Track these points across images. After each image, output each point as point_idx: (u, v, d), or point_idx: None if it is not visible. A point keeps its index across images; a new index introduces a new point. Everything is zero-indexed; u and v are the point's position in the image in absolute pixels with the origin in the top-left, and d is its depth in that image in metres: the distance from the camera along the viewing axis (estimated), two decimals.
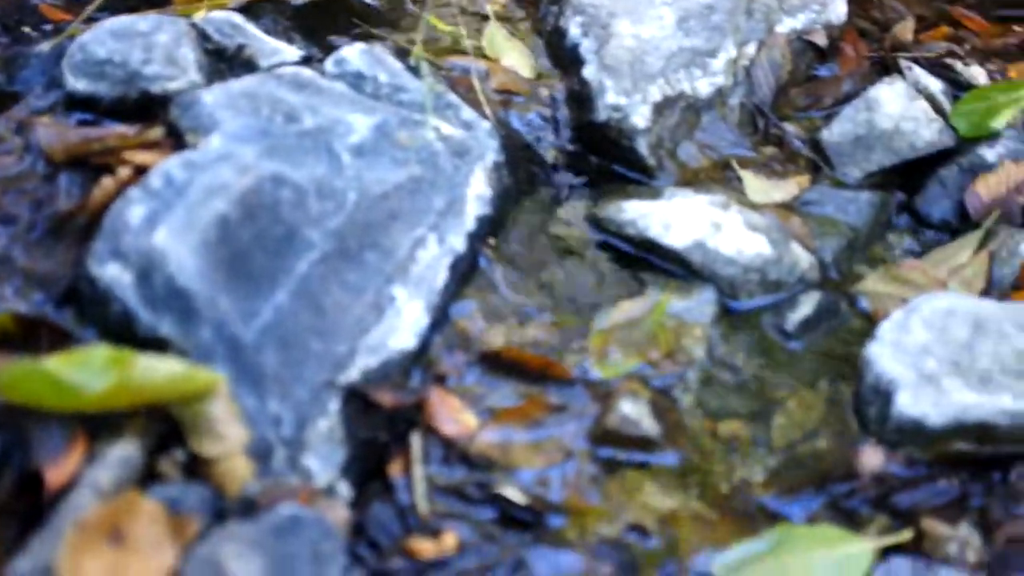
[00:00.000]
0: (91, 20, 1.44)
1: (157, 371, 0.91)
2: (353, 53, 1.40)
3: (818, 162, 1.54)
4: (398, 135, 1.25)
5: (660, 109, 1.49)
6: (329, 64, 1.39)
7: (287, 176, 1.12)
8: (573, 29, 1.57)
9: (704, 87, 1.55)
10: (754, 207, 1.41)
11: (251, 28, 1.43)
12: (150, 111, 1.29)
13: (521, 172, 1.43)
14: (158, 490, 0.90)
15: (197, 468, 0.95)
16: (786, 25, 1.66)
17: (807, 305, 1.32)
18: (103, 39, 1.29)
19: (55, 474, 0.89)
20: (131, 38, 1.30)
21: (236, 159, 1.11)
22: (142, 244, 1.02)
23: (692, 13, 1.57)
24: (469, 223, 1.30)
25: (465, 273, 1.28)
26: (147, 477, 0.93)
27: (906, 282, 1.35)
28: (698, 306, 1.29)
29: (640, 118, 1.47)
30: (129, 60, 1.27)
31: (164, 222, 1.03)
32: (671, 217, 1.34)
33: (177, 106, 1.22)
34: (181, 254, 1.00)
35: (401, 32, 1.62)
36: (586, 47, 1.53)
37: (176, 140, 1.21)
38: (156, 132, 1.23)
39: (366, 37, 1.55)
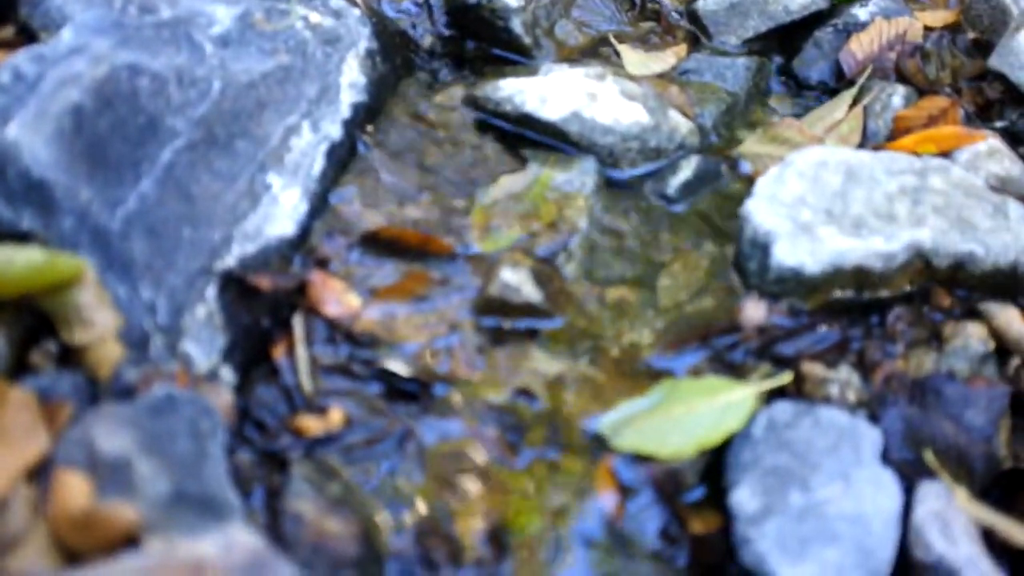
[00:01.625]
0: None
1: (16, 261, 0.89)
2: None
3: (696, 32, 1.54)
4: (258, 20, 1.23)
5: None
6: None
7: (144, 65, 1.09)
8: None
9: None
10: (632, 79, 1.41)
11: None
12: (1, 13, 1.25)
13: (397, 59, 1.42)
14: (29, 381, 0.89)
15: (70, 358, 0.93)
16: None
17: (687, 169, 1.33)
18: None
19: None
20: None
21: (89, 51, 1.08)
22: None
23: None
24: (344, 110, 1.28)
25: (343, 160, 1.27)
26: (17, 369, 0.92)
27: (784, 141, 1.37)
28: (579, 177, 1.30)
29: None
30: None
31: (16, 116, 1.00)
32: (547, 91, 1.34)
33: (27, 4, 1.18)
34: (35, 145, 0.97)
35: None
36: None
37: (29, 39, 1.18)
38: (7, 31, 1.19)
39: None
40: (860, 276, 1.15)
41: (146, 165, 1.05)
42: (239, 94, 1.17)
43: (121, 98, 1.05)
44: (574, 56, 1.49)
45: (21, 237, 0.98)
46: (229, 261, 1.07)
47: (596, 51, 1.50)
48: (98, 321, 0.92)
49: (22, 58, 1.06)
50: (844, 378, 1.10)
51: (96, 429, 0.82)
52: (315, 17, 1.32)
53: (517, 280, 1.14)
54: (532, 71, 1.42)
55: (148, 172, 1.04)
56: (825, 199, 1.19)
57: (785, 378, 1.09)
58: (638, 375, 1.13)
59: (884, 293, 1.17)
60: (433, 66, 1.47)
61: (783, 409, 1.05)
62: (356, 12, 1.38)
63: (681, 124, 1.36)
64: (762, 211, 1.18)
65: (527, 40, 1.46)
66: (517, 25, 1.46)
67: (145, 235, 1.01)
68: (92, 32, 1.12)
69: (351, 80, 1.31)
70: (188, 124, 1.10)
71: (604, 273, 1.23)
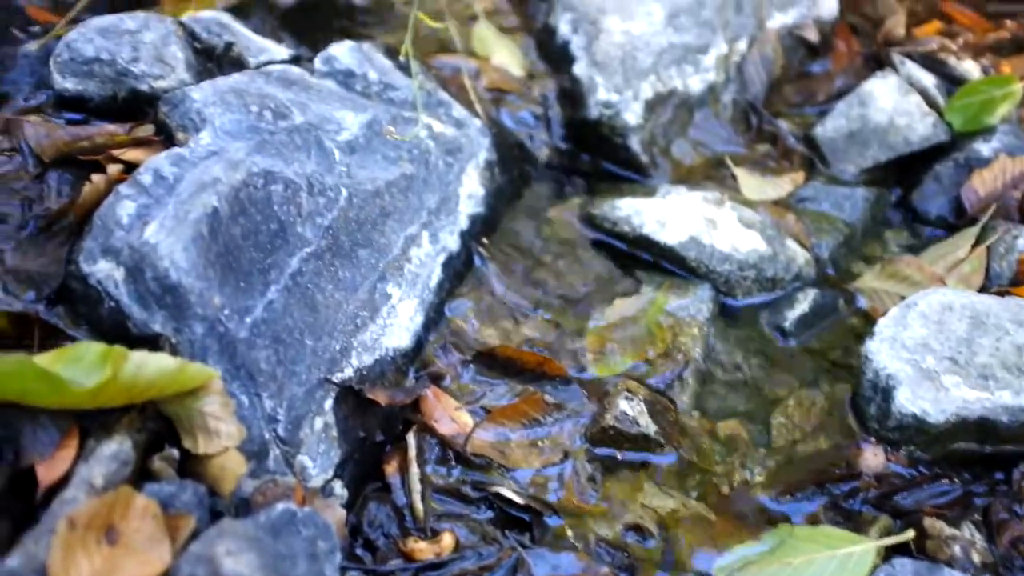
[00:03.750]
0: (77, 21, 1.42)
1: (149, 366, 0.89)
2: (342, 51, 1.38)
3: (813, 159, 1.53)
4: (385, 129, 1.24)
5: (652, 106, 1.48)
6: (318, 62, 1.37)
7: (278, 172, 1.10)
8: (563, 26, 1.56)
9: (696, 84, 1.54)
10: (748, 204, 1.40)
11: (239, 27, 1.41)
12: (140, 110, 1.27)
13: (514, 170, 1.42)
14: (152, 488, 0.88)
15: (191, 466, 0.93)
16: (777, 21, 1.66)
17: (804, 303, 1.31)
18: (90, 37, 1.27)
19: (47, 471, 0.87)
20: (119, 36, 1.28)
21: (226, 155, 1.09)
22: (133, 240, 1.00)
23: (681, 8, 1.56)
24: (462, 221, 1.28)
25: (459, 271, 1.27)
26: (141, 475, 0.91)
27: (904, 278, 1.34)
28: (694, 303, 1.28)
29: (632, 115, 1.46)
30: (117, 58, 1.25)
31: (155, 218, 1.01)
32: (666, 214, 1.33)
33: (166, 103, 1.20)
34: (173, 250, 0.98)
35: (390, 31, 1.61)
36: (576, 44, 1.52)
37: (166, 138, 1.19)
38: (146, 129, 1.21)
39: (354, 35, 1.53)
40: (985, 429, 1.12)
41: (275, 273, 1.05)
42: (364, 202, 1.18)
43: (255, 205, 1.06)
44: (690, 176, 1.48)
45: (150, 339, 0.98)
46: (347, 372, 1.07)
47: (712, 172, 1.50)
48: (223, 432, 0.91)
49: (163, 160, 1.08)
50: (968, 538, 1.06)
51: (219, 547, 0.81)
52: (438, 126, 1.33)
53: (634, 411, 1.12)
54: (649, 191, 1.41)
55: (276, 280, 1.05)
56: (950, 345, 1.16)
57: (907, 535, 1.05)
58: (750, 516, 1.10)
59: (1009, 447, 1.13)
60: (548, 178, 1.47)
61: (904, 566, 1.01)
62: (477, 122, 1.39)
63: (798, 255, 1.34)
64: (884, 354, 1.16)
65: (644, 158, 1.46)
66: (635, 143, 1.46)
67: (271, 344, 1.01)
68: (229, 136, 1.13)
69: (470, 191, 1.31)
70: (316, 232, 1.11)
71: (717, 406, 1.21)
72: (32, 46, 1.39)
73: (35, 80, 1.37)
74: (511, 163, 1.41)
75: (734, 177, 1.47)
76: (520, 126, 1.49)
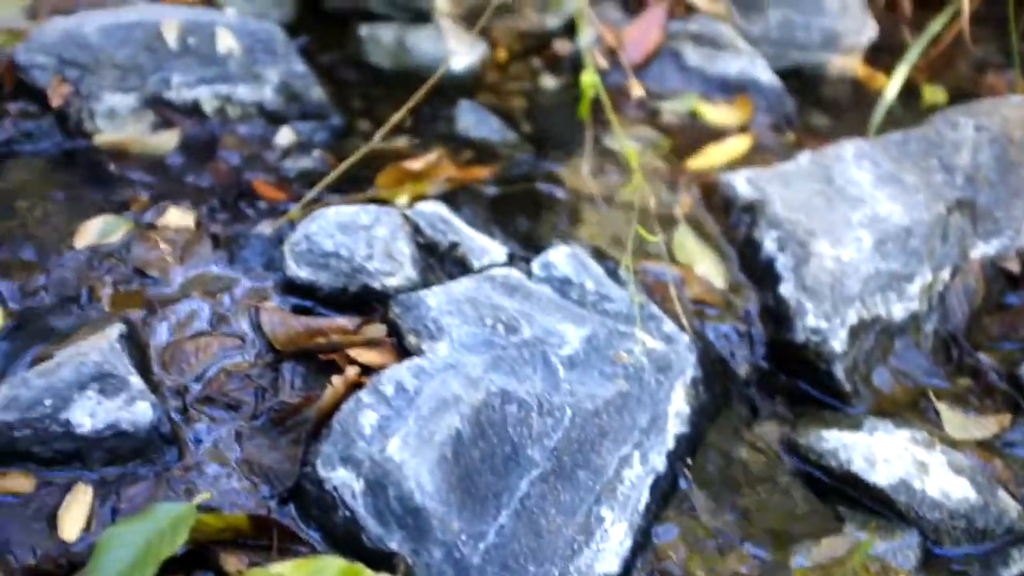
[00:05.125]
0: (312, 202, 1.49)
1: None
2: (560, 258, 1.42)
3: (1017, 399, 1.50)
4: (613, 352, 1.26)
5: (856, 333, 1.48)
6: (536, 267, 1.41)
7: (512, 391, 1.13)
8: (768, 243, 1.57)
9: (899, 312, 1.54)
10: (954, 445, 1.38)
11: (459, 223, 1.46)
12: (367, 303, 1.32)
13: (716, 387, 1.43)
14: None
15: None
16: (980, 250, 1.66)
17: (1021, 562, 1.27)
18: (331, 232, 1.33)
19: None
20: (355, 232, 1.34)
21: (465, 370, 1.12)
22: (375, 454, 1.03)
23: (890, 236, 1.57)
24: (669, 441, 1.29)
25: (665, 493, 1.27)
26: None
27: None
28: (901, 549, 1.26)
29: (838, 342, 1.46)
30: (355, 255, 1.31)
31: (397, 433, 1.04)
32: (874, 452, 1.32)
33: (399, 305, 1.25)
34: (419, 471, 1.00)
35: (592, 228, 1.65)
36: (782, 263, 1.54)
37: (397, 339, 1.23)
38: (377, 330, 1.25)
39: (564, 236, 1.57)
40: None
41: (506, 496, 1.07)
42: (585, 422, 1.19)
43: (493, 427, 1.09)
44: (890, 407, 1.47)
45: (384, 556, 1.00)
46: None
47: (912, 404, 1.48)
48: None
49: (404, 371, 1.11)
50: None
51: None
52: (650, 342, 1.35)
53: None
54: (854, 423, 1.40)
55: (507, 504, 1.06)
56: None
57: None
58: None
59: None
60: (746, 396, 1.47)
61: None
62: (685, 337, 1.40)
63: (1010, 507, 1.31)
64: None
65: (847, 386, 1.46)
66: (839, 370, 1.45)
67: (500, 571, 1.02)
68: (466, 349, 1.17)
69: (677, 409, 1.32)
70: (543, 454, 1.12)
71: None
72: (266, 229, 1.46)
73: (265, 261, 1.44)
74: (714, 380, 1.42)
75: (936, 412, 1.45)
76: (722, 341, 1.50)
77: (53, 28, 1.77)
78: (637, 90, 1.83)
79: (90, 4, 1.92)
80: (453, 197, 1.64)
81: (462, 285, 1.29)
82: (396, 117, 1.53)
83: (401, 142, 1.83)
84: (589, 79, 1.38)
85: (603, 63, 1.83)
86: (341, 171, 1.52)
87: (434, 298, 1.24)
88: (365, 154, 1.56)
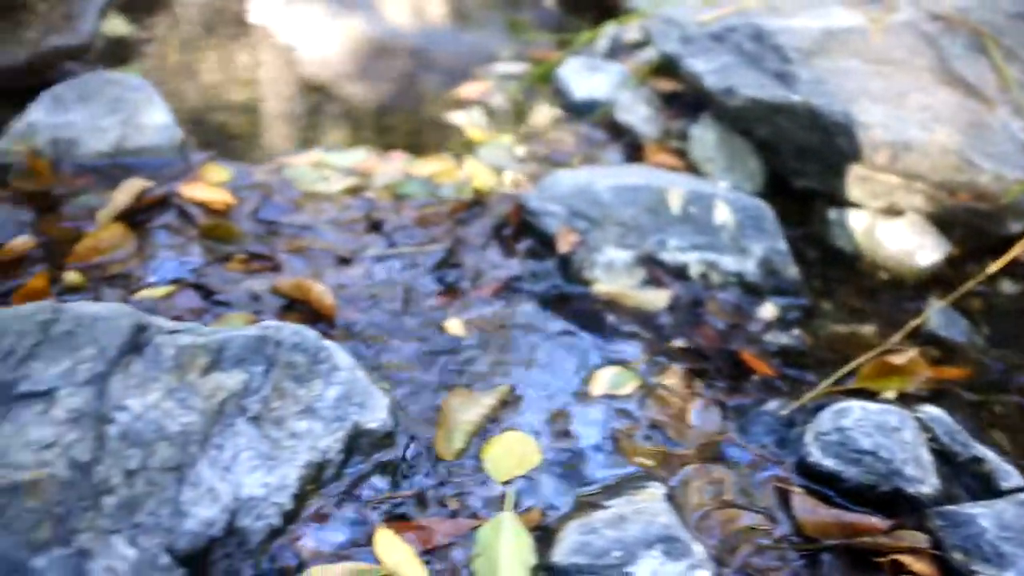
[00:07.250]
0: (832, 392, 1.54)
1: None
2: None
3: None
4: None
5: None
6: None
7: None
8: None
9: None
10: None
11: (972, 440, 1.45)
12: (890, 505, 1.33)
13: None
14: None
15: None
16: None
17: None
18: (869, 431, 1.35)
19: None
20: (890, 434, 1.36)
21: None
22: None
23: None
24: None
25: None
26: None
27: None
28: None
29: None
30: (895, 458, 1.33)
31: None
32: None
33: (942, 518, 1.25)
34: None
35: None
36: None
37: (935, 550, 1.24)
38: (916, 538, 1.26)
39: None
40: None
41: None
42: None
43: None
44: None
45: None
46: None
47: None
48: None
49: None
50: None
51: None
52: None
53: None
54: None
55: None
56: None
57: None
58: None
59: None
60: None
61: None
62: None
63: None
64: None
65: None
66: None
67: None
68: None
69: None
70: None
71: None
72: (780, 410, 1.51)
73: (775, 439, 1.48)
74: None
75: None
76: None
77: (562, 181, 1.92)
78: None
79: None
80: (937, 399, 1.64)
81: (1009, 511, 1.28)
82: (916, 321, 1.56)
83: (866, 329, 1.86)
84: None
85: None
86: (842, 374, 1.57)
87: (987, 520, 1.23)
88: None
